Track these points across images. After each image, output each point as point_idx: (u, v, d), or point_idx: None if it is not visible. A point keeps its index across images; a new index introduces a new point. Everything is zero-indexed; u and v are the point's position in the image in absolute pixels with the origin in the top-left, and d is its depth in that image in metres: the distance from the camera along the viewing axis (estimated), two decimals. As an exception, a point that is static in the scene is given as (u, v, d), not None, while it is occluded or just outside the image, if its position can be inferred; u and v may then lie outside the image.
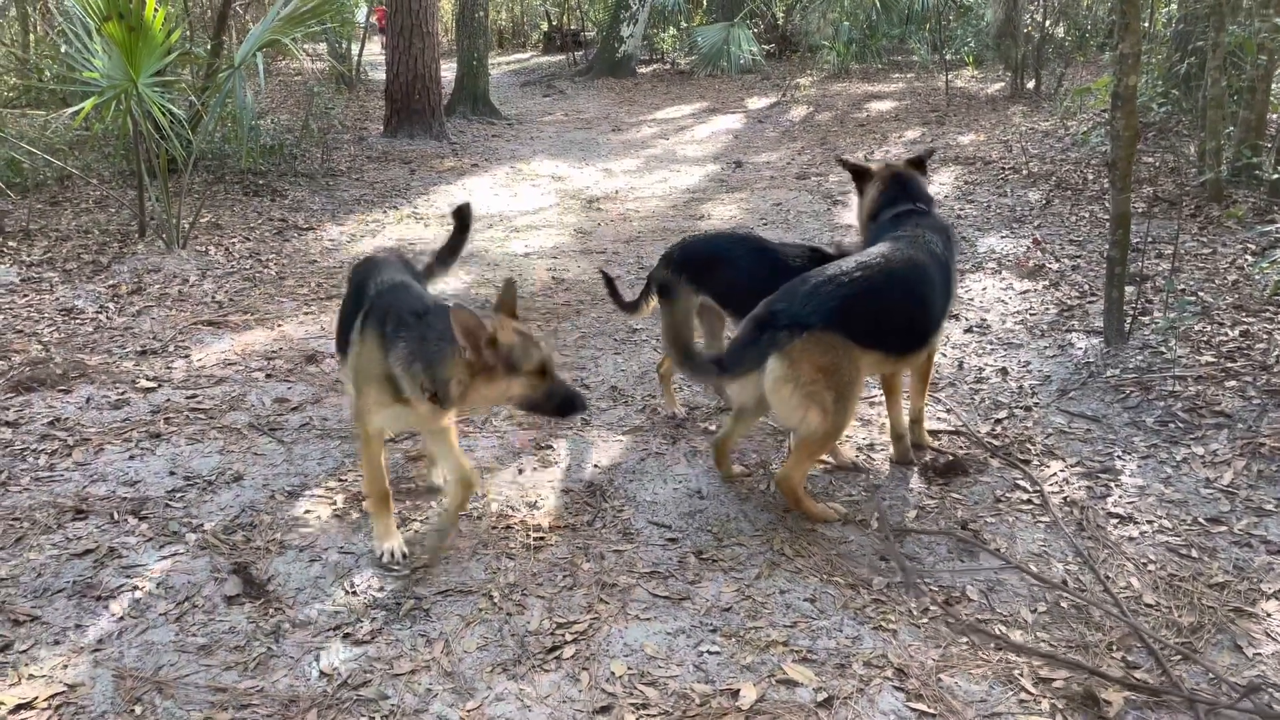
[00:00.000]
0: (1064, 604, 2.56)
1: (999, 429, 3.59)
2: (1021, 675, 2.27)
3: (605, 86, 16.42)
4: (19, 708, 2.13)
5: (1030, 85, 10.93)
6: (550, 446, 3.44)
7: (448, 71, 12.63)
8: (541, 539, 2.84)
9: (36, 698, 2.15)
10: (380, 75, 12.71)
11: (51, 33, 11.47)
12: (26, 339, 4.45)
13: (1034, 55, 10.89)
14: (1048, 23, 11.03)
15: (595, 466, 3.30)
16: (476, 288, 5.44)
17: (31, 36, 11.87)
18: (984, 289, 5.13)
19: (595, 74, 17.53)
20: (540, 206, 7.67)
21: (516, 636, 2.39)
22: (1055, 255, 5.47)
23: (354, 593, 2.56)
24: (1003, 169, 7.71)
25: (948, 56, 12.75)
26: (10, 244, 6.01)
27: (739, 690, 2.21)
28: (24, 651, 2.31)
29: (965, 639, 2.41)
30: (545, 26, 24.25)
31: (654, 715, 2.13)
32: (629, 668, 2.28)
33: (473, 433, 3.55)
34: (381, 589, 2.57)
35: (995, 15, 12.02)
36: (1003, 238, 6.00)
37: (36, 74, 9.99)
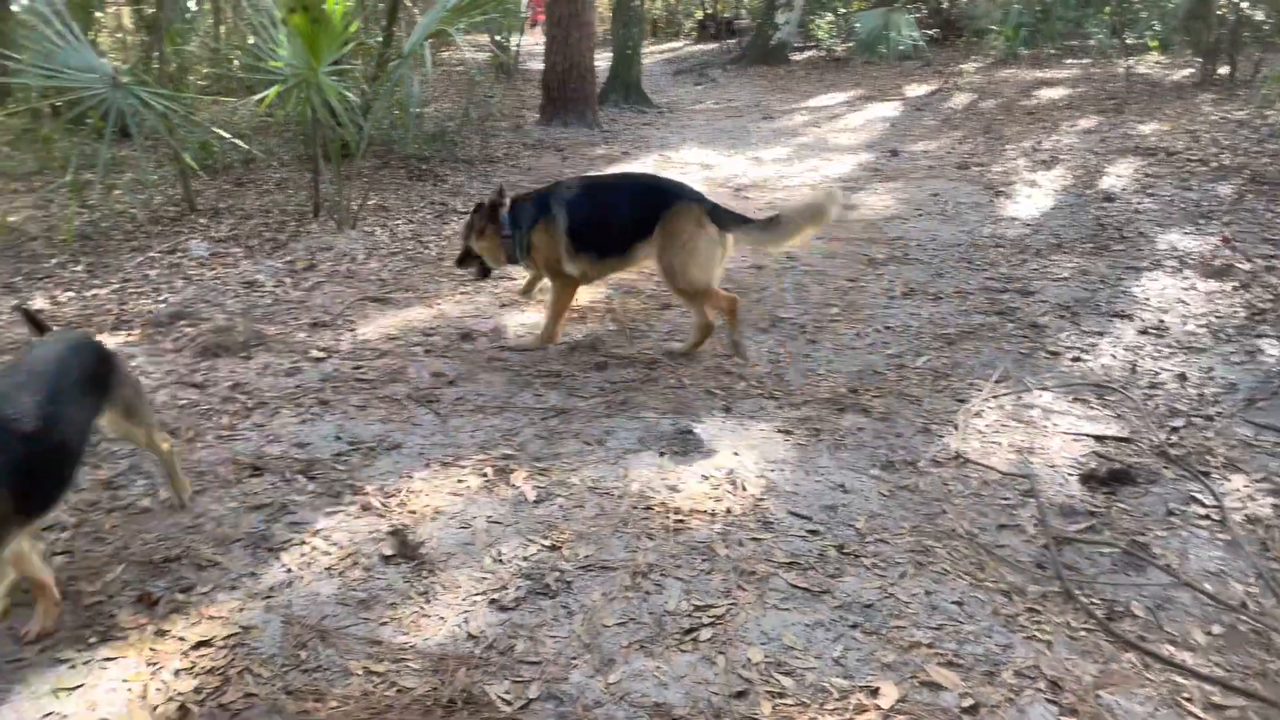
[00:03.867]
0: (1242, 628, 2.38)
1: (1175, 438, 3.36)
2: (1190, 700, 2.13)
3: (757, 74, 16.24)
4: (200, 644, 2.31)
5: (1223, 72, 10.12)
6: (691, 432, 3.45)
7: (602, 61, 12.79)
8: (681, 522, 2.86)
9: (215, 637, 2.33)
10: (537, 65, 13.01)
11: (240, 24, 12.31)
12: (214, 308, 4.81)
13: (1228, 39, 10.07)
14: (1244, 4, 10.15)
15: (735, 454, 3.29)
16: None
17: (222, 29, 12.77)
18: (1162, 288, 4.80)
19: (748, 62, 17.36)
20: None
21: (654, 615, 2.42)
22: (1246, 254, 5.07)
23: (501, 561, 2.64)
24: (1188, 161, 7.18)
25: (1129, 41, 11.94)
26: (201, 221, 6.51)
27: (879, 688, 2.16)
28: (205, 594, 2.51)
29: (1128, 656, 2.28)
30: (699, 15, 24.21)
31: (790, 704, 2.12)
32: (766, 655, 2.27)
33: (615, 415, 3.61)
34: (526, 559, 2.65)
35: (1185, -5, 11.17)
36: (1185, 234, 5.61)
37: (226, 64, 10.74)
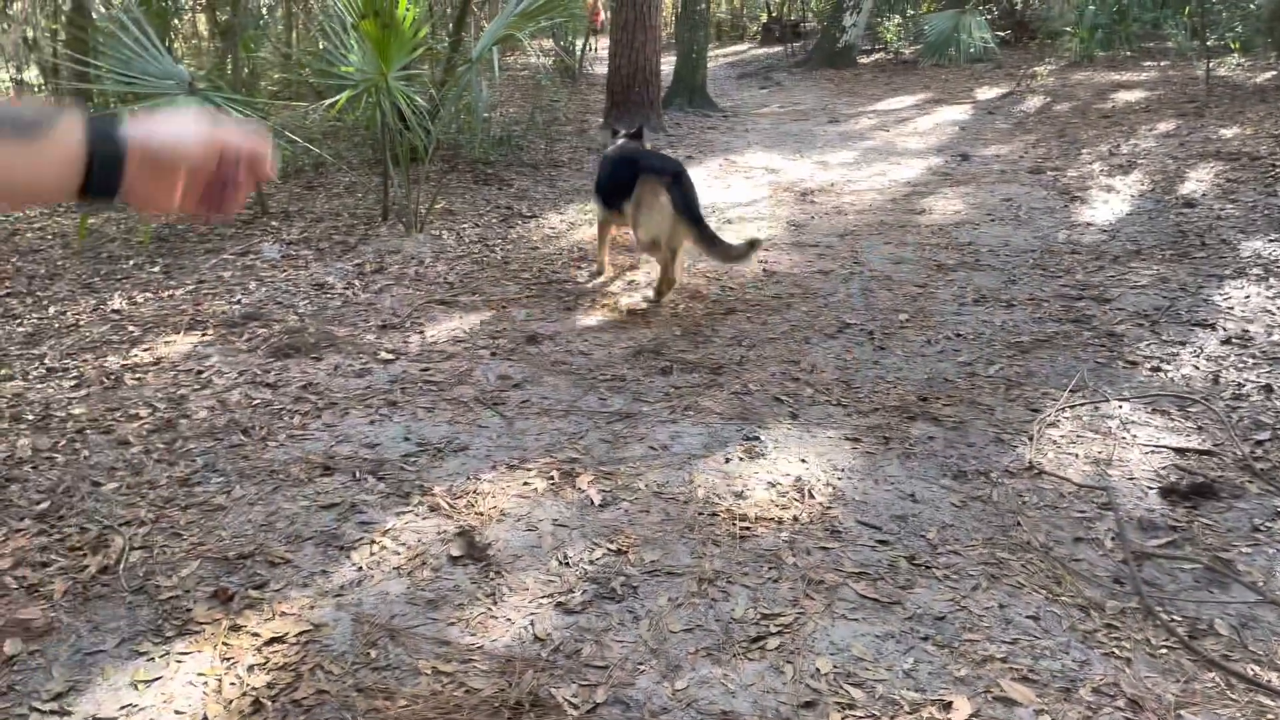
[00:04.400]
0: (1336, 651, 2.27)
1: (1260, 451, 3.24)
2: (1279, 724, 2.04)
3: (823, 77, 16.10)
4: (272, 641, 2.35)
5: (1308, 73, 9.75)
6: (758, 438, 3.42)
7: (666, 64, 12.81)
8: (747, 529, 2.83)
9: (288, 633, 2.37)
10: (601, 69, 13.07)
11: (312, 30, 12.60)
12: (285, 310, 4.91)
13: (1314, 40, 9.69)
14: (1333, 3, 9.78)
15: (802, 462, 3.25)
16: (685, 278, 5.49)
17: (294, 35, 13.09)
18: (1247, 297, 4.63)
19: (813, 65, 17.23)
20: (753, 199, 7.63)
21: (721, 623, 2.40)
22: (1335, 262, 4.86)
23: (567, 564, 2.65)
24: (1272, 165, 6.93)
25: (1210, 42, 11.55)
26: (273, 223, 6.67)
27: (951, 702, 2.11)
28: (278, 590, 2.55)
29: (1211, 675, 2.19)
30: (764, 18, 24.13)
31: (860, 716, 2.08)
32: (835, 666, 2.24)
33: (680, 420, 3.59)
34: (592, 563, 2.65)
35: (1269, -4, 10.76)
36: (1270, 241, 5.40)
37: (298, 69, 11.00)
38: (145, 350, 4.36)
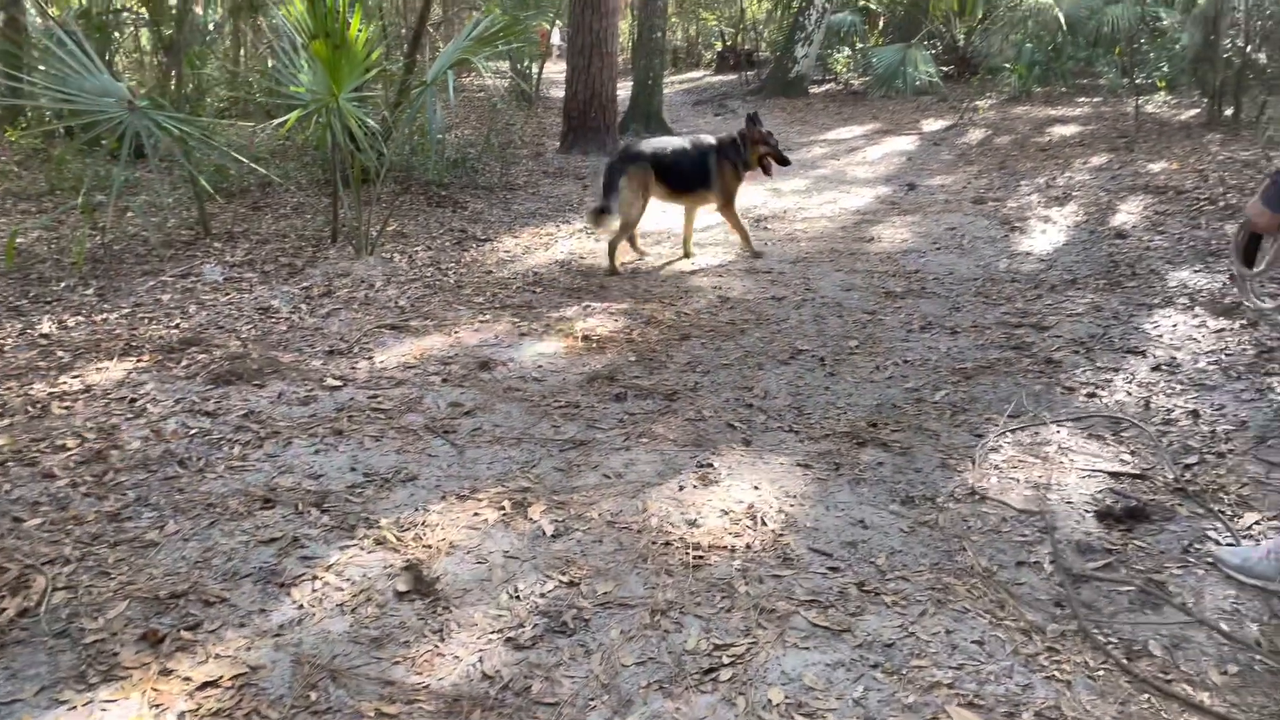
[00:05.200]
0: (1257, 668, 2.34)
1: (1189, 475, 3.33)
2: (1216, 748, 2.09)
3: (776, 106, 16.32)
4: (205, 685, 2.25)
5: (1228, 113, 10.14)
6: (711, 465, 3.43)
7: (623, 90, 12.88)
8: (700, 558, 2.83)
9: (222, 676, 2.28)
10: (557, 93, 13.11)
11: (261, 48, 12.44)
12: (227, 334, 4.81)
13: (1234, 81, 10.09)
14: (1249, 48, 10.17)
15: (755, 488, 3.27)
16: (641, 303, 5.50)
17: (242, 52, 12.90)
18: (1174, 325, 4.78)
19: (767, 93, 17.47)
20: (707, 225, 7.67)
21: (674, 655, 2.39)
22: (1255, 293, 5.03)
23: (517, 597, 2.62)
24: (1197, 199, 7.17)
25: (1138, 80, 11.97)
26: (216, 245, 6.54)
27: (901, 732, 2.13)
28: (212, 631, 2.46)
29: (1146, 696, 2.24)
30: (719, 46, 24.44)
31: (811, 749, 2.08)
32: (786, 696, 2.24)
33: (634, 447, 3.59)
34: (543, 595, 2.63)
35: (1192, 39, 11.14)
36: (1195, 271, 5.58)
37: (246, 88, 10.83)
38: (75, 377, 4.21)
